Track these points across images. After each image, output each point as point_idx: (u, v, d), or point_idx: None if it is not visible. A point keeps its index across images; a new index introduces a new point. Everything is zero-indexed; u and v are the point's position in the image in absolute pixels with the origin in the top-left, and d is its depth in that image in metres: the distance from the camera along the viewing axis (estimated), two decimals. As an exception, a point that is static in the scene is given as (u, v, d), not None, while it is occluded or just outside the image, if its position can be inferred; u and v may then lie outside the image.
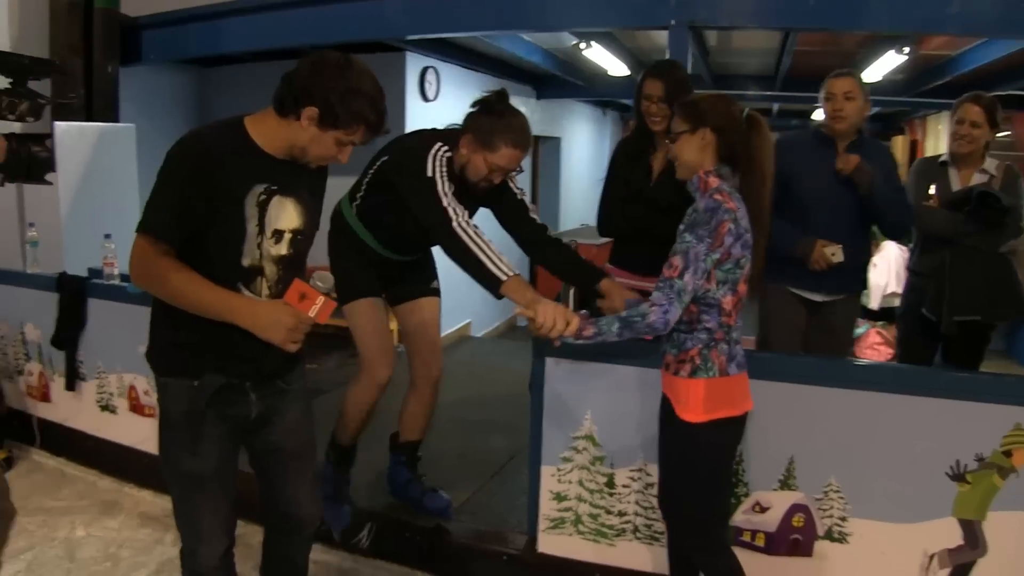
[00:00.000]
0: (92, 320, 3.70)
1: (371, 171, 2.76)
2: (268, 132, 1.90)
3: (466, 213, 2.45)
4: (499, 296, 2.35)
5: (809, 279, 3.08)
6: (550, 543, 2.83)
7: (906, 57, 5.41)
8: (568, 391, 2.74)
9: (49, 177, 4.02)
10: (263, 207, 1.90)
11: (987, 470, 2.34)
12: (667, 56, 3.51)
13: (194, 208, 1.82)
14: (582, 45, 5.60)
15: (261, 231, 1.92)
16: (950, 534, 2.40)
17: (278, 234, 1.95)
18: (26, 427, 4.08)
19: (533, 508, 2.85)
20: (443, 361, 3.08)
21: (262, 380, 2.04)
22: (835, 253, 2.94)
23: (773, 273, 3.15)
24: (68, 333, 3.71)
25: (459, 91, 6.53)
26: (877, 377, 2.46)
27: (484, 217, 2.67)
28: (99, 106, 4.42)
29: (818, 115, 11.11)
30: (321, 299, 1.87)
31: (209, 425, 1.98)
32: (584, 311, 2.26)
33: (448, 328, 7.12)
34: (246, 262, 1.92)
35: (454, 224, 2.39)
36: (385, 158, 2.70)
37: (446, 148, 2.57)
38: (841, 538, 2.50)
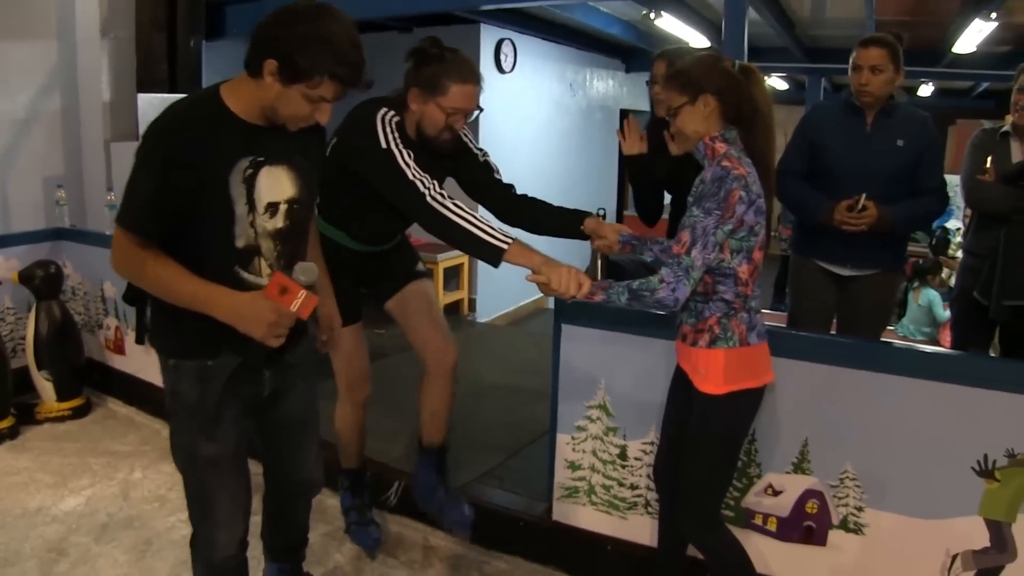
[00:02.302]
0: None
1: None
2: (244, 97, 1.70)
3: (435, 183, 2.21)
4: (498, 265, 2.14)
5: (836, 252, 2.84)
6: (564, 512, 2.74)
7: (995, 24, 4.89)
8: (583, 359, 2.62)
9: (131, 145, 4.19)
10: (251, 182, 1.71)
11: (1019, 468, 2.07)
12: (721, 27, 3.29)
13: (172, 195, 1.63)
14: (652, 15, 5.31)
15: (252, 208, 1.73)
16: (976, 534, 2.14)
17: (272, 207, 1.77)
18: (104, 377, 4.25)
19: (550, 476, 2.76)
20: (456, 346, 2.73)
21: (275, 356, 1.88)
22: (859, 201, 2.66)
23: (802, 246, 2.95)
24: (137, 290, 3.79)
25: (538, 63, 6.39)
26: (900, 360, 2.21)
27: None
28: (182, 79, 4.53)
29: (924, 90, 10.45)
30: (303, 293, 1.71)
31: (225, 407, 1.84)
32: (609, 279, 2.10)
33: (525, 299, 7.07)
34: (240, 243, 1.75)
35: (427, 198, 2.16)
36: (334, 140, 2.37)
37: (392, 112, 2.31)
38: (857, 529, 2.29)
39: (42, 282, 3.90)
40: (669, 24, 5.67)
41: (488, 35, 6.02)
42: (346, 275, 2.47)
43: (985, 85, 9.61)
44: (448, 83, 2.28)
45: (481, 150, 2.55)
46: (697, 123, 1.99)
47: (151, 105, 4.25)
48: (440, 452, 2.80)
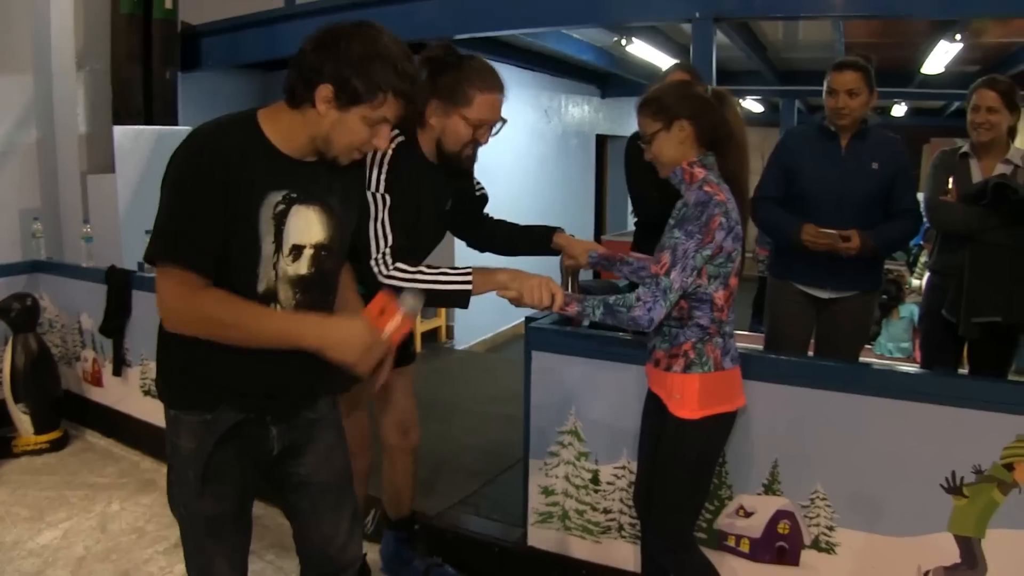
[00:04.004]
0: (136, 310, 3.76)
1: None
2: (284, 128, 1.54)
3: (390, 248, 1.99)
4: (467, 304, 2.02)
5: (816, 275, 2.82)
6: (540, 537, 2.69)
7: (960, 45, 4.95)
8: (554, 385, 2.59)
9: (108, 177, 4.18)
10: (280, 220, 1.53)
11: (986, 484, 2.05)
12: (690, 51, 3.30)
13: (215, 226, 1.46)
14: (623, 41, 5.34)
15: (278, 249, 1.55)
16: (946, 551, 2.12)
17: (296, 250, 1.58)
18: (82, 409, 4.19)
19: (524, 502, 2.72)
20: (419, 425, 2.61)
21: (285, 412, 1.71)
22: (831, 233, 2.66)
23: (780, 269, 2.94)
24: (114, 322, 3.78)
25: (513, 90, 6.32)
26: (866, 380, 2.19)
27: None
28: (158, 110, 4.51)
29: (897, 110, 10.55)
30: (399, 317, 1.60)
31: (225, 464, 1.64)
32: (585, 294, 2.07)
33: (503, 326, 7.04)
34: (261, 288, 1.56)
35: (372, 261, 1.99)
36: None
37: (396, 131, 2.04)
38: (829, 548, 2.26)
39: (19, 315, 3.86)
40: (640, 50, 5.70)
41: (464, 64, 6.02)
42: None
43: (957, 104, 9.71)
44: (472, 92, 2.06)
45: (478, 181, 2.43)
46: (673, 148, 1.98)
47: (127, 137, 4.23)
48: (410, 521, 2.71)
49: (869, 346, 5.70)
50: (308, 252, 1.60)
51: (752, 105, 9.87)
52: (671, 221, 1.97)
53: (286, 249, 1.57)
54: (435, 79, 2.09)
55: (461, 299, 2.00)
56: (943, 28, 4.85)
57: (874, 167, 2.76)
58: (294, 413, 1.73)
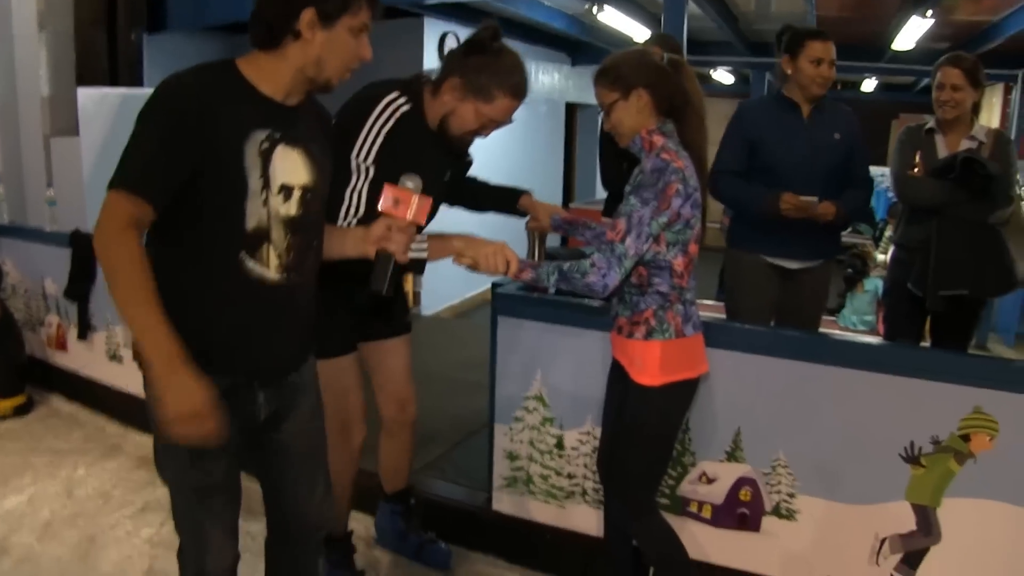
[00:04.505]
0: (100, 274, 3.68)
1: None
2: (265, 71, 1.54)
3: (357, 222, 1.95)
4: (423, 271, 2.02)
5: (784, 246, 2.82)
6: (505, 502, 2.70)
7: (931, 21, 4.94)
8: (520, 350, 2.58)
9: (72, 140, 4.07)
10: (266, 157, 1.52)
11: (943, 454, 2.08)
12: (661, 20, 3.26)
13: (180, 161, 1.44)
14: (594, 9, 5.24)
15: (266, 186, 1.53)
16: (903, 518, 2.15)
17: (286, 190, 1.56)
18: (46, 374, 4.12)
19: (490, 467, 2.72)
20: (416, 398, 2.55)
21: (272, 376, 1.68)
22: (810, 201, 2.68)
23: (745, 241, 2.92)
24: (79, 286, 3.71)
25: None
26: (828, 350, 2.21)
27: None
28: (123, 73, 4.39)
29: (867, 85, 10.57)
30: (415, 198, 1.69)
31: None
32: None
33: (472, 292, 7.00)
34: (251, 224, 1.53)
35: (339, 221, 1.95)
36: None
37: (403, 100, 2.02)
38: (789, 515, 2.28)
39: (-20, 280, 3.77)
40: (611, 17, 5.59)
41: (432, 28, 5.87)
42: (346, 302, 2.22)
43: (926, 81, 9.75)
44: (497, 93, 2.03)
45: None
46: (632, 117, 1.96)
47: (91, 99, 4.09)
48: (406, 496, 2.66)
49: (833, 318, 5.76)
50: (297, 193, 1.58)
51: (723, 76, 9.84)
52: (627, 188, 1.95)
53: (275, 187, 1.55)
54: (467, 57, 2.05)
55: (417, 266, 1.98)
56: (915, 4, 4.84)
57: (836, 137, 2.77)
58: (282, 376, 1.71)
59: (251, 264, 1.56)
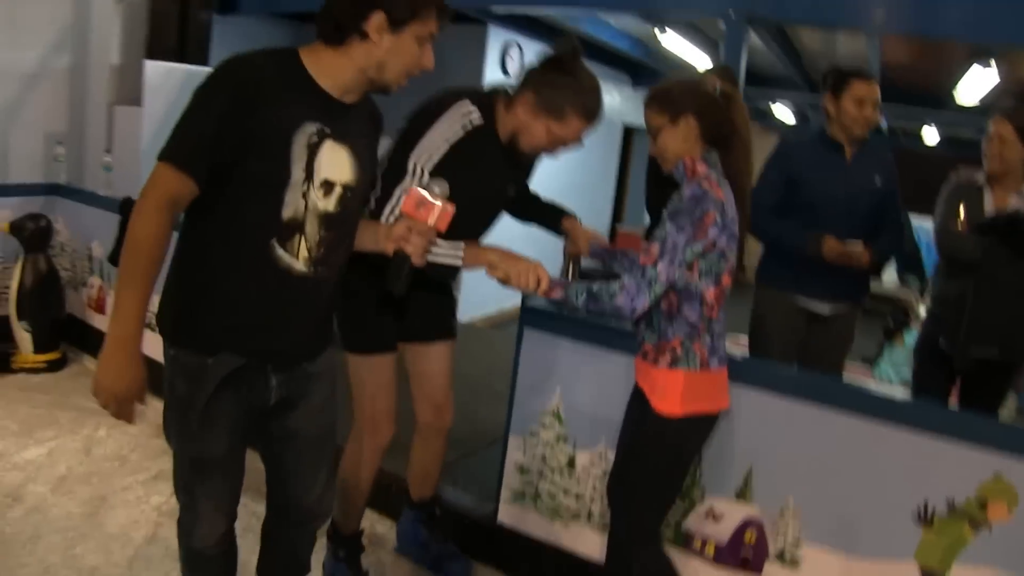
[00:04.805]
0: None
1: (387, 158, 2.10)
2: (326, 66, 1.55)
3: (394, 219, 1.93)
4: (455, 277, 2.07)
5: (814, 287, 2.78)
6: (509, 514, 2.68)
7: (994, 72, 4.83)
8: (543, 364, 2.57)
9: (134, 110, 4.17)
10: (313, 150, 1.54)
11: (957, 519, 2.01)
12: (721, 50, 3.23)
13: (230, 140, 1.45)
14: (657, 30, 5.22)
15: (308, 178, 1.54)
16: (909, 579, 2.09)
17: (327, 185, 1.58)
18: (83, 335, 4.20)
19: (499, 478, 2.70)
20: (454, 405, 2.53)
21: (286, 362, 1.70)
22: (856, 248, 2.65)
23: (775, 280, 2.88)
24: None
25: (542, 69, 6.32)
26: (851, 399, 2.15)
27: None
28: (192, 50, 4.49)
29: (929, 135, 10.34)
30: (439, 205, 1.69)
31: (220, 408, 1.62)
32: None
33: (508, 303, 6.99)
34: (287, 214, 1.54)
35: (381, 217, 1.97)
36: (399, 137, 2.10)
37: (476, 113, 2.02)
38: (793, 562, 2.23)
39: (32, 234, 3.87)
40: (673, 42, 5.56)
41: (495, 37, 5.94)
42: (390, 301, 2.18)
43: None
44: (569, 112, 2.02)
45: None
46: (678, 143, 1.95)
47: (157, 73, 4.21)
48: (431, 505, 2.64)
49: (868, 368, 5.64)
50: (338, 190, 1.60)
51: (784, 115, 9.71)
52: (665, 212, 1.93)
53: (317, 181, 1.57)
54: (545, 73, 2.04)
55: (451, 272, 2.00)
56: (980, 55, 4.75)
57: (876, 182, 2.74)
58: (296, 364, 1.72)
59: (281, 253, 1.58)
